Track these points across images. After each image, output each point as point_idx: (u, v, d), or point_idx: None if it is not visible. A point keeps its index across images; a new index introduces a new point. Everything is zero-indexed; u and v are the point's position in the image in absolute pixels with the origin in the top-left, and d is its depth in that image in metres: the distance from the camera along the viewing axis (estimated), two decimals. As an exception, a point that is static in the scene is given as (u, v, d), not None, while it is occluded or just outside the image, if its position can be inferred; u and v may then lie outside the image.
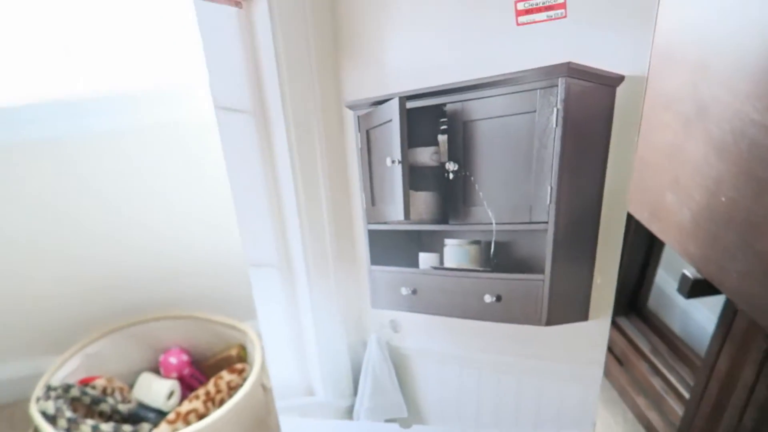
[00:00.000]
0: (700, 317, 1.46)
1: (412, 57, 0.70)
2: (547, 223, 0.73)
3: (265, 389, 1.25)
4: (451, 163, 0.75)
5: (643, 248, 1.43)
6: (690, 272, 0.92)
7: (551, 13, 0.64)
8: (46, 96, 1.23)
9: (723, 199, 0.85)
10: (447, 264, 0.80)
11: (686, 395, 1.21)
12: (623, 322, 1.48)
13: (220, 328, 1.36)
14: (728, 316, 0.93)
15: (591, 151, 0.70)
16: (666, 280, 1.58)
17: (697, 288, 0.91)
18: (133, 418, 1.25)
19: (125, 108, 1.27)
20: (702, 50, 0.91)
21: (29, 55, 1.21)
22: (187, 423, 1.17)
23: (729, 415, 1.00)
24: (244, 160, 0.77)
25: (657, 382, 1.27)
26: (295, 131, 0.76)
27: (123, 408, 1.24)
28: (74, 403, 1.19)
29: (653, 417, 1.21)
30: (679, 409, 1.18)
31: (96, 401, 1.20)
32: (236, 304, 1.52)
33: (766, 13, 0.80)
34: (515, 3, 0.64)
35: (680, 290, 0.93)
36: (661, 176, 0.99)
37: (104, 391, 1.25)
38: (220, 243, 1.46)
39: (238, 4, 0.71)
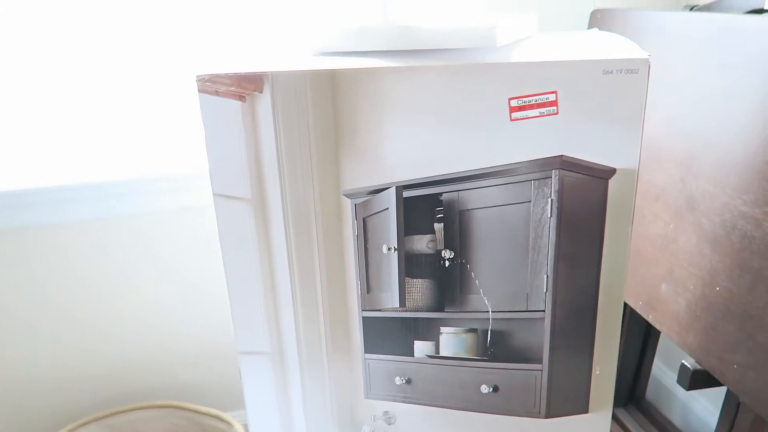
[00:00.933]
0: (701, 410, 1.42)
1: (410, 148, 0.72)
2: (544, 311, 0.73)
3: (249, 486, 1.18)
4: (447, 251, 0.75)
5: (639, 338, 1.42)
6: (689, 363, 0.90)
7: (543, 110, 0.67)
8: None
9: (718, 289, 0.86)
10: (443, 352, 0.78)
11: (692, 495, 1.16)
12: (622, 413, 1.44)
13: (204, 418, 1.31)
14: (731, 409, 0.91)
15: (586, 240, 0.71)
16: (664, 371, 1.55)
17: (697, 379, 0.90)
18: None
19: (101, 195, 1.28)
20: (687, 145, 0.94)
21: (42, 138, 1.24)
22: None
23: None
24: (241, 247, 0.77)
25: (661, 480, 1.22)
26: (293, 219, 0.76)
27: (97, 506, 1.16)
28: (45, 500, 1.11)
29: None
30: None
31: (68, 499, 1.13)
32: (221, 393, 1.46)
33: (748, 109, 0.84)
34: (509, 100, 0.67)
35: (680, 381, 0.91)
36: (654, 267, 1.00)
37: (78, 487, 1.17)
38: (205, 331, 1.43)
39: (242, 98, 0.74)
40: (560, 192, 0.69)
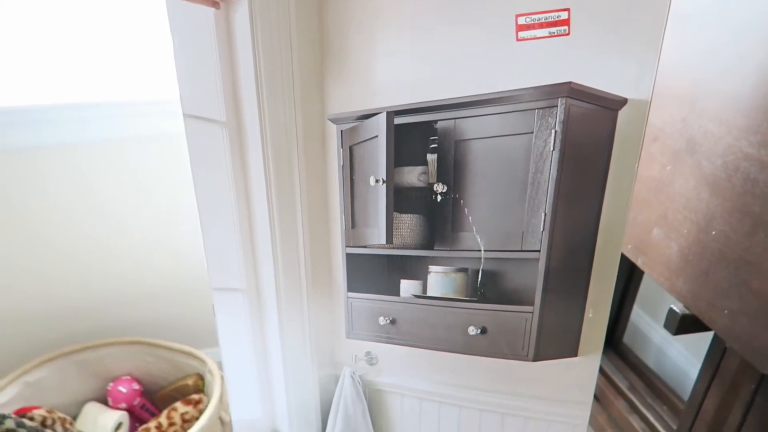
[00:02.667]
0: (675, 354, 1.43)
1: (404, 69, 0.65)
2: (539, 251, 0.68)
3: (223, 423, 1.16)
4: (440, 184, 0.70)
5: (621, 283, 1.41)
6: (677, 308, 0.88)
7: (554, 29, 0.60)
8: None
9: (714, 233, 0.83)
10: (430, 293, 0.74)
11: (665, 436, 1.18)
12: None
13: (176, 355, 1.27)
14: (716, 354, 0.90)
15: (589, 177, 0.66)
16: (641, 316, 1.56)
17: (684, 324, 0.88)
18: (75, 454, 1.14)
19: (76, 118, 1.19)
20: (693, 85, 0.89)
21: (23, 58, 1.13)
22: (135, 460, 1.07)
23: (714, 459, 0.96)
24: (214, 175, 0.70)
25: (635, 421, 1.23)
26: (271, 144, 0.70)
27: (64, 442, 1.12)
28: (8, 436, 1.07)
29: (632, 459, 1.17)
30: (658, 451, 1.14)
31: (33, 434, 1.09)
32: (195, 331, 1.42)
33: (759, 49, 0.78)
34: (516, 17, 0.60)
35: (667, 326, 0.90)
36: (647, 210, 0.96)
37: (44, 422, 1.13)
38: (179, 265, 1.37)
39: (215, 5, 0.66)
40: (566, 123, 0.63)
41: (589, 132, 0.64)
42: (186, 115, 0.66)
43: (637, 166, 0.65)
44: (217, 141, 0.69)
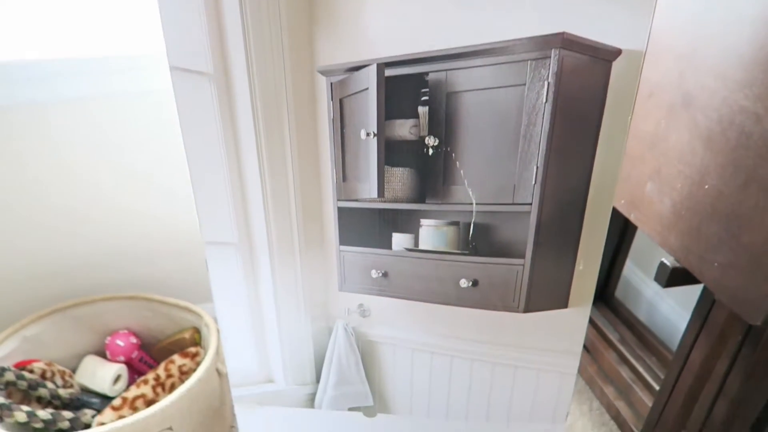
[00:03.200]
0: (666, 308, 1.45)
1: (394, 20, 0.64)
2: (530, 205, 0.68)
3: (220, 374, 1.18)
4: (432, 137, 0.69)
5: (614, 238, 1.42)
6: (668, 261, 0.89)
7: (548, -25, 0.58)
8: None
9: (707, 187, 0.83)
10: (422, 246, 0.75)
11: (654, 385, 1.20)
12: (591, 311, 1.47)
13: (172, 310, 1.28)
14: (704, 307, 0.91)
15: (582, 130, 0.65)
16: (633, 270, 1.57)
17: (674, 277, 0.89)
18: (75, 404, 1.16)
19: (48, 74, 1.16)
20: (690, 38, 0.87)
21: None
22: (135, 409, 1.09)
23: (699, 406, 0.99)
24: (202, 128, 0.70)
25: (625, 372, 1.26)
26: (261, 98, 0.69)
27: (64, 393, 1.15)
28: (9, 388, 1.09)
29: (621, 406, 1.20)
30: (646, 399, 1.17)
31: (33, 386, 1.11)
32: (191, 286, 1.44)
33: (754, 3, 0.77)
34: (510, -37, 0.59)
35: (657, 279, 0.91)
36: (641, 165, 0.96)
37: (43, 375, 1.15)
38: (176, 220, 1.37)
39: (200, -50, 0.63)
40: (559, 75, 0.62)
41: (582, 84, 0.63)
42: (173, 68, 0.65)
43: (630, 119, 0.65)
44: (205, 93, 0.67)
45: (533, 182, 0.67)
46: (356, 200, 0.73)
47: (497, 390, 0.83)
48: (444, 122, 0.68)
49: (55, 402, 1.14)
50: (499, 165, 0.68)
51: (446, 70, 0.66)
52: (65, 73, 1.15)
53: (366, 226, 0.75)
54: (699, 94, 0.85)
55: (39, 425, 1.04)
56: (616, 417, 1.21)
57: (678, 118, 0.89)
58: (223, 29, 0.66)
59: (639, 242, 1.50)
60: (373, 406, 0.88)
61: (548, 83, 0.63)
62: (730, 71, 0.80)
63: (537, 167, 0.66)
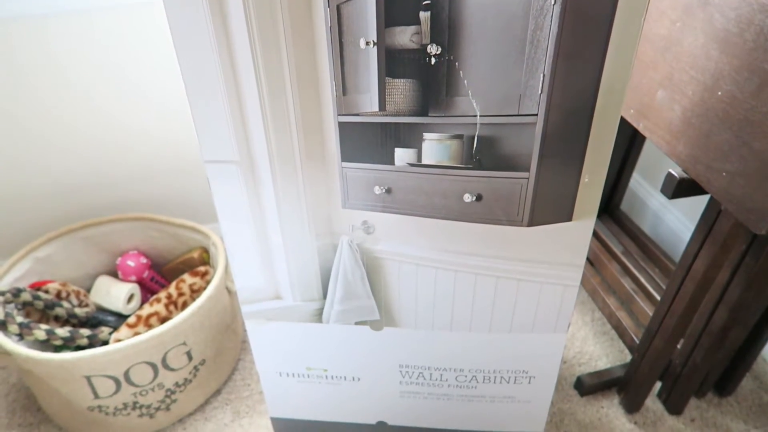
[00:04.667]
0: (672, 219, 1.45)
1: None
2: (536, 116, 0.66)
3: (230, 292, 1.21)
4: (434, 45, 0.66)
5: (621, 149, 1.40)
6: (676, 172, 0.88)
7: None
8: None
9: (720, 93, 0.80)
10: (425, 160, 0.73)
11: (656, 296, 1.22)
12: (596, 223, 1.47)
13: (180, 230, 1.29)
14: (710, 217, 0.90)
15: (591, 34, 0.62)
16: (639, 182, 1.56)
17: (681, 188, 0.88)
18: (92, 322, 1.20)
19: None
20: (711, -74, 0.81)
21: None
22: (149, 326, 1.13)
23: (699, 314, 1.00)
24: (196, 42, 0.67)
25: (627, 283, 1.28)
26: (254, 5, 0.65)
27: (80, 312, 1.18)
28: (26, 307, 1.12)
29: (622, 316, 1.22)
30: (648, 309, 1.19)
31: (50, 306, 1.14)
32: (198, 206, 1.44)
33: None
34: None
35: (663, 190, 0.90)
36: (652, 72, 0.92)
37: (58, 295, 1.18)
38: (183, 138, 1.35)
39: None
40: (569, -27, 0.58)
41: (593, -18, 0.59)
42: (159, -26, 0.61)
43: (644, 20, 0.61)
44: (196, 3, 0.64)
45: (539, 91, 0.65)
46: (357, 114, 0.71)
47: (500, 302, 0.84)
48: (447, 29, 0.65)
49: (72, 321, 1.18)
50: (504, 74, 0.65)
51: (449, -29, 0.62)
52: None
53: (368, 142, 0.74)
54: (717, -8, 0.81)
55: (58, 342, 1.07)
56: (617, 326, 1.24)
57: (694, 18, 0.84)
58: (209, -69, 0.62)
59: (646, 154, 1.47)
60: (380, 320, 0.90)
61: (557, -17, 0.59)
62: (753, -34, 0.75)
63: (543, 75, 0.64)
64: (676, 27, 0.88)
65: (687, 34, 0.86)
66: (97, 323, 1.20)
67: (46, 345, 1.09)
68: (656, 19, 0.91)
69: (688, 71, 0.85)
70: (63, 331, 1.08)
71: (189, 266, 1.27)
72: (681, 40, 0.87)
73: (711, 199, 0.90)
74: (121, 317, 1.22)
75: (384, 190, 0.76)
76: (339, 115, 0.72)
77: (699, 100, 0.84)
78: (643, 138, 1.36)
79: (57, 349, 1.11)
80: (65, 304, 1.17)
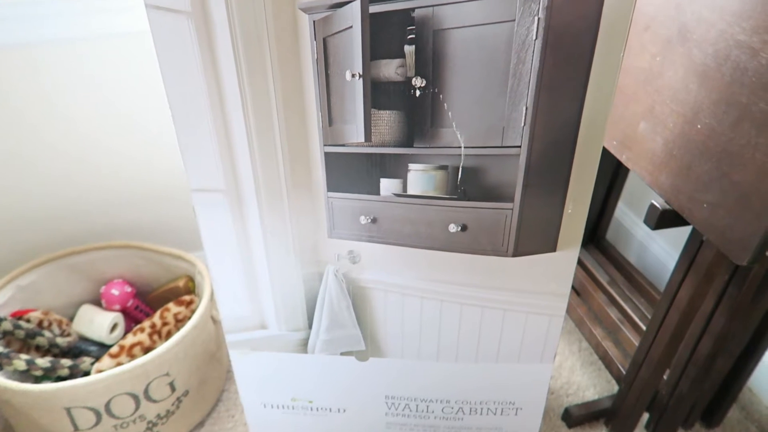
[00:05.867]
0: (657, 249, 1.47)
1: (378, -49, 0.61)
2: (519, 147, 0.67)
3: (215, 321, 1.19)
4: (419, 78, 0.67)
5: (606, 179, 1.41)
6: (658, 203, 0.89)
7: None
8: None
9: (699, 126, 0.81)
10: (410, 191, 0.74)
11: (642, 325, 1.23)
12: (582, 253, 1.48)
13: (166, 258, 1.28)
14: (693, 247, 0.91)
15: (573, 67, 0.63)
16: (624, 212, 1.58)
17: (664, 218, 0.89)
18: (73, 352, 1.18)
19: (30, 15, 1.11)
20: (688, -36, 0.84)
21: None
22: (132, 356, 1.11)
23: (685, 344, 1.01)
24: (183, 70, 0.67)
25: (613, 313, 1.28)
26: (242, 38, 0.66)
27: (62, 341, 1.16)
28: (6, 337, 1.10)
29: (609, 346, 1.22)
30: (634, 339, 1.19)
31: (31, 335, 1.12)
32: (184, 234, 1.44)
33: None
34: None
35: (647, 221, 0.91)
36: (634, 104, 0.94)
37: (40, 324, 1.17)
38: (169, 166, 1.35)
39: None
40: (549, 9, 0.60)
41: (573, 19, 0.61)
42: (148, 6, 0.62)
43: (623, 56, 0.63)
44: (184, 33, 0.65)
45: (522, 123, 0.66)
46: (343, 145, 0.72)
47: (486, 332, 0.84)
48: (431, 62, 0.66)
49: (53, 350, 1.16)
50: (487, 106, 0.66)
51: (433, 5, 0.64)
52: (53, 14, 1.11)
53: (353, 172, 0.74)
54: (695, 27, 0.83)
55: (38, 373, 1.05)
56: (604, 356, 1.24)
57: (673, 52, 0.87)
58: (198, -34, 0.63)
59: (631, 184, 1.49)
60: (365, 350, 0.90)
61: (538, 18, 0.60)
62: (728, 3, 0.78)
63: (526, 108, 0.65)
64: (657, 61, 0.90)
65: (667, 67, 0.88)
66: (79, 353, 1.18)
67: (26, 375, 1.07)
68: (637, 53, 0.94)
69: (669, 104, 0.87)
70: (44, 361, 1.06)
71: (174, 295, 1.26)
72: (661, 73, 0.89)
73: (694, 229, 0.92)
74: (104, 347, 1.20)
75: (370, 220, 0.77)
76: (325, 145, 0.72)
77: (680, 132, 0.85)
78: (627, 168, 1.38)
79: (37, 379, 1.09)
80: (47, 333, 1.15)
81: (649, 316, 1.22)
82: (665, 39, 0.88)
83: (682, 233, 0.97)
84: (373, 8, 0.63)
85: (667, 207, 0.88)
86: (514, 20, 0.61)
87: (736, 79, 0.76)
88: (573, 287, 1.43)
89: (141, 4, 0.62)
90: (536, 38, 0.61)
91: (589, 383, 1.29)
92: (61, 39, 1.13)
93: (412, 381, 0.93)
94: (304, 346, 0.90)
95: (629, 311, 1.26)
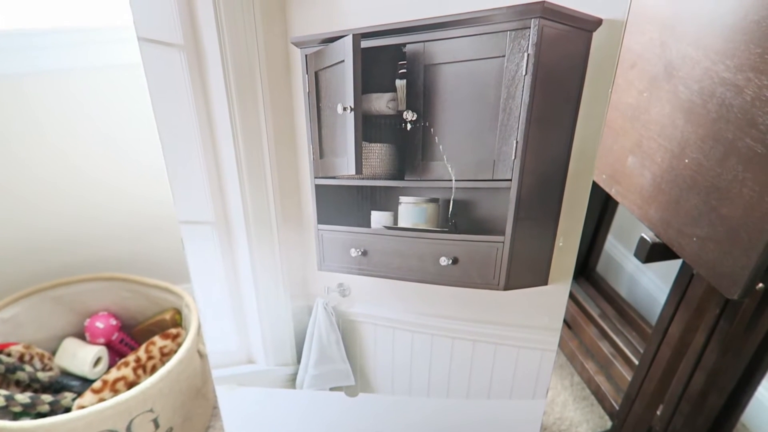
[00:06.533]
0: (647, 282, 1.47)
1: (369, -12, 0.62)
2: (510, 180, 0.67)
3: (201, 355, 1.17)
4: (410, 112, 0.67)
5: (595, 213, 1.42)
6: (648, 236, 0.89)
7: (527, -58, 0.57)
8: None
9: (687, 161, 0.82)
10: (401, 224, 0.74)
11: (634, 360, 1.22)
12: (573, 286, 1.48)
13: (152, 291, 1.27)
14: (683, 281, 0.91)
15: (562, 103, 0.64)
16: (614, 245, 1.58)
17: (654, 252, 0.89)
18: (55, 387, 1.15)
19: (19, 47, 1.12)
20: (673, 7, 0.86)
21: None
22: (115, 392, 1.08)
23: (677, 379, 1.00)
24: (175, 103, 0.67)
25: (605, 347, 1.27)
26: (233, 71, 0.67)
27: (43, 376, 1.13)
28: (-14, 372, 1.08)
29: (601, 381, 1.21)
30: (626, 374, 1.18)
31: (11, 369, 1.09)
32: (171, 265, 1.42)
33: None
34: (487, -71, 0.57)
35: (637, 254, 0.91)
36: (623, 138, 0.95)
37: (21, 358, 1.14)
38: (156, 197, 1.34)
39: None
40: (539, 46, 0.61)
41: (562, 55, 0.62)
42: (141, 39, 0.62)
43: (611, 91, 0.63)
44: (176, 66, 0.65)
45: (513, 157, 0.66)
46: (334, 177, 0.72)
47: (478, 367, 0.83)
48: (422, 96, 0.67)
49: (34, 385, 1.13)
50: (478, 140, 0.67)
51: (424, 41, 0.64)
52: (42, 45, 1.11)
53: (344, 204, 0.74)
54: (681, 65, 0.84)
55: (18, 409, 1.02)
56: (597, 392, 1.22)
57: (660, 89, 0.88)
58: None
59: (620, 217, 1.50)
60: (355, 386, 0.88)
61: (528, 54, 0.61)
62: (712, 41, 0.79)
63: (517, 142, 0.65)
64: (644, 97, 0.91)
65: (654, 103, 0.89)
66: (61, 388, 1.15)
67: (4, 411, 1.04)
68: (625, 89, 0.95)
69: (657, 139, 0.88)
70: (23, 397, 1.03)
71: (161, 328, 1.24)
72: (648, 109, 0.90)
73: (684, 263, 0.92)
74: (87, 382, 1.17)
75: (360, 253, 0.76)
76: (316, 177, 0.72)
77: (668, 166, 0.86)
78: (616, 202, 1.39)
79: (16, 416, 1.06)
80: (28, 367, 1.12)
81: (641, 350, 1.21)
82: (652, 76, 0.89)
83: (672, 266, 0.97)
84: (365, 43, 0.63)
85: (657, 240, 0.88)
86: (504, 56, 0.62)
87: (722, 116, 0.77)
88: (564, 320, 1.42)
89: (134, 36, 0.62)
90: (526, 74, 0.62)
91: (581, 419, 1.27)
92: (53, 70, 1.13)
93: (402, 417, 0.91)
94: (292, 382, 0.88)
95: (621, 345, 1.26)
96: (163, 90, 0.65)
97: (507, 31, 0.61)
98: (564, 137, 0.66)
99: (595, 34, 0.60)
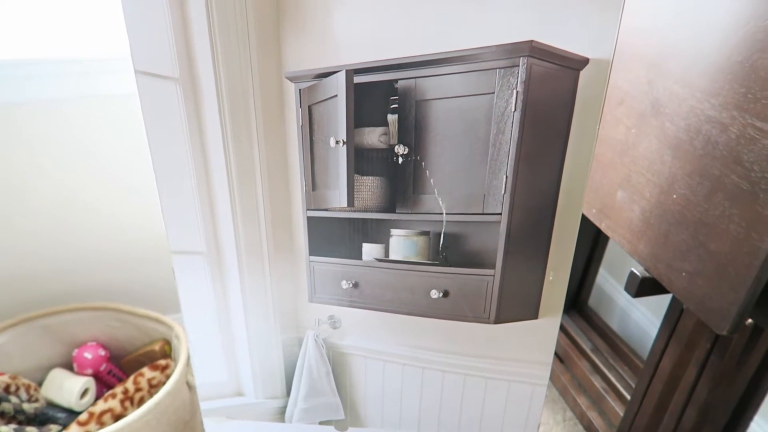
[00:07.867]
0: (639, 316, 1.47)
1: (363, 26, 0.63)
2: (500, 215, 0.68)
3: (190, 387, 1.16)
4: (401, 146, 0.68)
5: (586, 247, 1.43)
6: (638, 271, 0.89)
7: (515, -15, 0.59)
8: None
9: (675, 196, 0.83)
10: (392, 256, 0.74)
11: (626, 395, 1.21)
12: (565, 320, 1.47)
13: (142, 321, 1.25)
14: (673, 316, 0.92)
15: (550, 138, 0.65)
16: (606, 278, 1.58)
17: (644, 287, 0.89)
18: (40, 419, 1.13)
19: (12, 77, 1.13)
20: (659, 46, 0.88)
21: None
22: (102, 424, 1.06)
23: (669, 414, 0.99)
24: (169, 134, 0.68)
25: (597, 381, 1.26)
26: (228, 104, 0.68)
27: (28, 408, 1.11)
28: (-31, 403, 1.06)
29: (593, 416, 1.20)
30: (618, 409, 1.17)
31: (-4, 401, 1.07)
32: (161, 295, 1.41)
33: (723, 11, 0.78)
34: (477, -28, 0.59)
35: (627, 289, 0.91)
36: (612, 173, 0.97)
37: (7, 389, 1.12)
38: (148, 226, 1.34)
39: (165, -45, 0.62)
40: (527, 83, 0.62)
41: (550, 92, 0.63)
42: (137, 72, 0.64)
43: (598, 127, 0.65)
44: (171, 98, 0.66)
45: (503, 191, 0.67)
46: (326, 209, 0.72)
47: (469, 401, 0.82)
48: (413, 130, 0.68)
49: (19, 417, 1.11)
50: (468, 174, 0.68)
51: (416, 77, 0.66)
52: (37, 75, 1.13)
53: (336, 236, 0.75)
54: (667, 102, 0.86)
55: (0, 441, 1.00)
56: (589, 427, 1.21)
57: (647, 125, 0.90)
58: (189, 32, 0.65)
59: (612, 251, 1.51)
60: (345, 419, 0.87)
61: (517, 92, 0.63)
62: (698, 80, 0.81)
63: (506, 176, 0.66)
64: (632, 133, 0.93)
65: (642, 139, 0.91)
66: (46, 420, 1.13)
67: (-14, 444, 1.02)
68: (613, 125, 0.97)
69: (645, 174, 0.89)
70: (8, 429, 1.01)
71: (150, 359, 1.22)
72: (636, 144, 0.92)
73: (674, 297, 0.92)
74: (73, 414, 1.15)
75: (351, 285, 0.76)
76: (308, 209, 0.73)
77: (656, 201, 0.87)
78: (607, 235, 1.40)
79: (-2, 448, 1.04)
80: (13, 398, 1.10)
81: (633, 385, 1.20)
82: (639, 113, 0.91)
83: (663, 299, 0.98)
84: (358, 78, 0.65)
85: (647, 275, 0.89)
86: (493, 93, 0.63)
87: (708, 152, 0.79)
88: (556, 354, 1.41)
89: (129, 67, 0.63)
90: (515, 110, 0.63)
91: (574, 455, 1.26)
92: (47, 99, 1.14)
93: (392, 452, 0.90)
94: (281, 415, 0.87)
95: (613, 380, 1.25)
96: (158, 121, 0.66)
97: (496, 68, 0.62)
98: (553, 172, 0.67)
99: (582, 72, 0.62)
